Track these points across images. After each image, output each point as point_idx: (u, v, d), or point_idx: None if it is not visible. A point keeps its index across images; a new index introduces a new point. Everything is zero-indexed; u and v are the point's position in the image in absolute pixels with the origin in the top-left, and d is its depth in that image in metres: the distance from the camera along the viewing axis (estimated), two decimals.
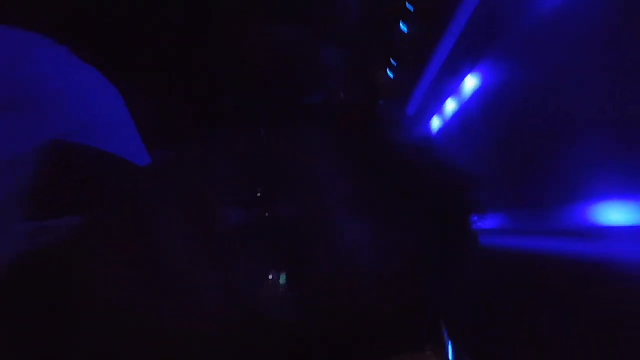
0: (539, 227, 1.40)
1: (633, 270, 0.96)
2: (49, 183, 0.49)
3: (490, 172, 1.78)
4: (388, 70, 2.67)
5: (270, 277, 0.43)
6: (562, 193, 1.30)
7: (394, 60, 2.43)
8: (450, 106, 2.10)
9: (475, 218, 0.49)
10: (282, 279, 0.42)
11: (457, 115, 2.02)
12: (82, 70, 0.69)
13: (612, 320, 1.00)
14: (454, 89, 2.00)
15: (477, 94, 1.79)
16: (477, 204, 0.50)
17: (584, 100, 1.24)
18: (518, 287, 1.26)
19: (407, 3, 2.14)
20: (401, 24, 2.29)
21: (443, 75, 1.97)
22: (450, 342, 1.12)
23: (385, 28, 2.34)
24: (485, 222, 0.50)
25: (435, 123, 2.39)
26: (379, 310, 0.42)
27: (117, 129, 0.67)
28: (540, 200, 1.41)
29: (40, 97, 0.59)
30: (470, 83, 1.82)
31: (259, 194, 0.45)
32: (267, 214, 0.44)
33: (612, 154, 1.13)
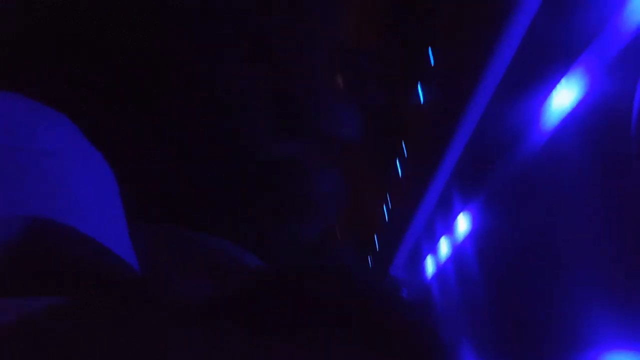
0: None
1: None
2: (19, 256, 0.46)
3: (486, 326, 1.68)
4: (384, 208, 2.67)
5: None
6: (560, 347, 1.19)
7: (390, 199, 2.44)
8: (444, 247, 2.05)
9: None
10: None
11: (450, 259, 1.96)
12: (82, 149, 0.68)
13: None
14: (447, 228, 1.97)
15: (470, 236, 1.75)
16: None
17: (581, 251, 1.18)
18: None
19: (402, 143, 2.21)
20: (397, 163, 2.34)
21: (436, 213, 1.95)
22: None
23: (383, 165, 2.38)
24: None
25: (429, 265, 2.32)
26: None
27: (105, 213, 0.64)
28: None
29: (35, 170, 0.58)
30: (463, 224, 1.79)
31: None
32: None
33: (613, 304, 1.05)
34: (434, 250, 2.17)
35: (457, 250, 1.87)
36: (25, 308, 0.35)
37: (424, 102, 2.08)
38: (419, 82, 2.22)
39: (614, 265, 1.03)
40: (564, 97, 1.34)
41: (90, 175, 0.62)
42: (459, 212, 1.80)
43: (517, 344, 1.44)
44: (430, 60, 2.13)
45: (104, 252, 0.46)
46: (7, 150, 0.57)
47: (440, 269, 2.15)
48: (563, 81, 1.36)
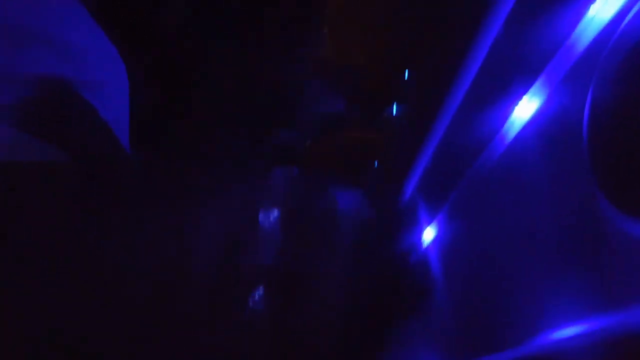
0: None
1: None
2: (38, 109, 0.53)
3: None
4: None
5: None
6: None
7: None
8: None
9: None
10: None
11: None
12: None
13: None
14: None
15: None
16: None
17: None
18: None
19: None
20: None
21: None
22: None
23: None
24: None
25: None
26: None
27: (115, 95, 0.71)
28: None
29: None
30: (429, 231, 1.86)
31: None
32: None
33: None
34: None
35: (424, 253, 1.93)
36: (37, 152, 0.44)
37: (396, 114, 2.16)
38: (394, 97, 2.31)
39: (561, 256, 1.10)
40: (526, 109, 1.43)
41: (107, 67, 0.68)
42: (427, 222, 1.87)
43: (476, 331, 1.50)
44: (405, 76, 2.23)
45: (105, 128, 0.53)
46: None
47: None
48: (526, 95, 1.45)
